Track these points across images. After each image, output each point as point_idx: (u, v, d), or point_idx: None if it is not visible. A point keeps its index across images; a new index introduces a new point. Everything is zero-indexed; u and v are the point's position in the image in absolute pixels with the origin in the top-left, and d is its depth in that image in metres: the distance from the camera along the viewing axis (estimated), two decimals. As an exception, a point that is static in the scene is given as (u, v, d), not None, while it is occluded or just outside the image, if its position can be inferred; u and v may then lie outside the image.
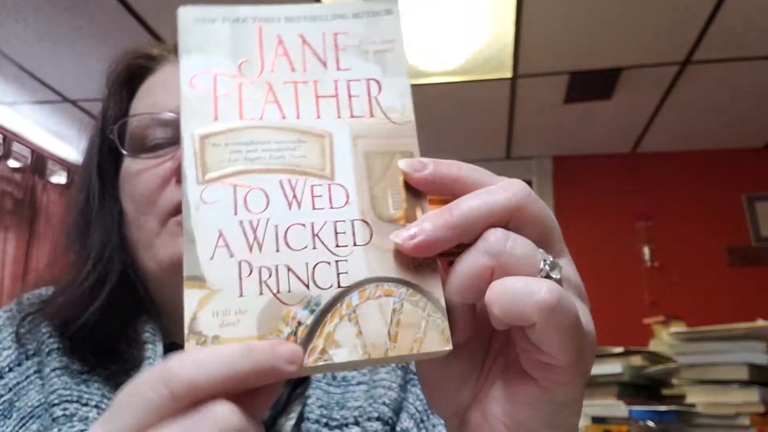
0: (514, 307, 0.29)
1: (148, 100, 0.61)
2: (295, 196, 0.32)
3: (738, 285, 3.14)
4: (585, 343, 0.31)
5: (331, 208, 0.33)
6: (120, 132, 0.61)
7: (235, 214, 0.32)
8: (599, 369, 1.64)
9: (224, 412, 0.27)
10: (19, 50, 2.43)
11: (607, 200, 3.43)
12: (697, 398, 1.56)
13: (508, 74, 2.64)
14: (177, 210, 0.56)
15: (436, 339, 0.30)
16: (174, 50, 0.64)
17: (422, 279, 0.32)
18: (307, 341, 0.29)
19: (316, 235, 0.32)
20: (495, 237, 0.31)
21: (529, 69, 2.61)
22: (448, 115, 3.06)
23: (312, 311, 0.30)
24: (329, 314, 0.30)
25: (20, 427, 0.52)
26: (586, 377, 0.33)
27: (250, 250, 0.31)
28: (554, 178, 3.52)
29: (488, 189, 0.33)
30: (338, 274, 0.31)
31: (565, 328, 0.30)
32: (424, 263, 0.32)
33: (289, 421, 0.55)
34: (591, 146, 3.42)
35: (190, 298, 0.29)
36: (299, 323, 0.30)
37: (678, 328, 1.83)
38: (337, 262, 0.31)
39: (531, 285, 0.30)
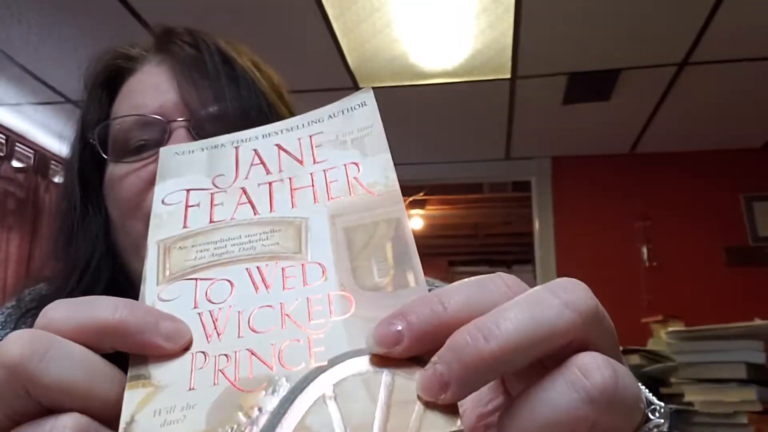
0: None
1: (130, 102, 0.59)
2: (264, 281, 0.29)
3: (736, 284, 3.14)
4: None
5: (305, 285, 0.28)
6: (102, 136, 0.60)
7: (195, 307, 0.28)
8: (598, 368, 1.64)
9: (66, 426, 0.24)
10: (22, 52, 2.44)
11: (605, 200, 3.43)
12: (695, 397, 1.57)
13: (508, 75, 2.65)
14: None
15: (441, 416, 0.23)
16: (153, 49, 0.63)
17: None
18: (269, 430, 0.23)
19: (286, 314, 0.27)
20: (602, 376, 0.23)
21: (528, 70, 2.61)
22: (448, 115, 3.07)
23: (277, 395, 0.24)
24: (299, 396, 0.24)
25: None
26: None
27: (208, 340, 0.27)
28: (553, 179, 3.52)
29: (538, 301, 0.24)
30: (311, 351, 0.26)
31: None
32: None
33: None
34: (590, 147, 3.43)
35: (130, 400, 0.25)
36: (260, 410, 0.24)
37: (676, 327, 1.85)
38: (310, 339, 0.26)
39: None
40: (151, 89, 0.59)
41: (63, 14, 2.20)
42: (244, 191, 0.34)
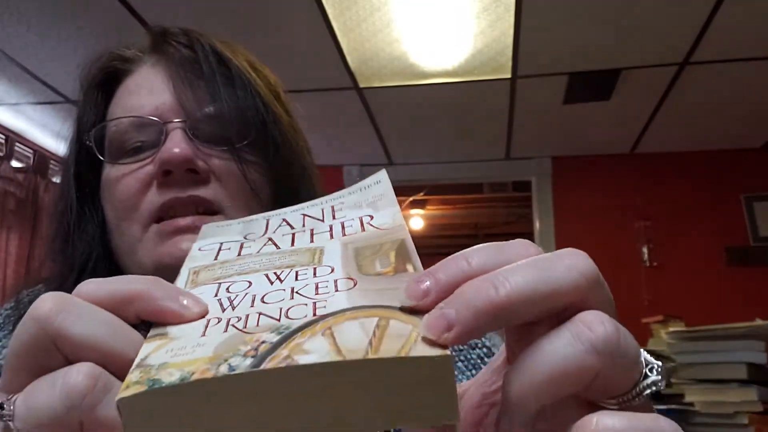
0: None
1: (126, 104, 0.59)
2: (278, 278, 0.32)
3: (736, 285, 3.15)
4: None
5: (315, 277, 0.31)
6: (98, 137, 0.60)
7: (215, 296, 0.31)
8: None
9: (79, 372, 0.26)
10: (22, 51, 2.44)
11: (606, 200, 3.44)
12: (696, 397, 1.57)
13: (508, 75, 2.65)
14: (159, 215, 0.55)
15: (429, 345, 0.24)
16: (149, 50, 0.63)
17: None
18: (268, 354, 0.25)
19: (296, 291, 0.30)
20: (605, 330, 0.25)
21: (529, 70, 2.62)
22: (448, 115, 3.07)
23: (280, 333, 0.26)
24: (299, 333, 0.26)
25: None
26: None
27: (223, 312, 0.29)
28: (553, 179, 3.53)
29: (545, 261, 0.26)
30: (315, 309, 0.28)
31: None
32: None
33: None
34: (590, 147, 3.43)
35: (146, 348, 0.27)
36: (262, 342, 0.26)
37: (676, 327, 1.85)
38: (314, 302, 0.29)
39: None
40: (147, 90, 0.59)
41: (63, 14, 2.20)
42: (271, 239, 0.38)
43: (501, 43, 2.40)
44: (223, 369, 0.24)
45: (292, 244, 0.37)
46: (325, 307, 0.28)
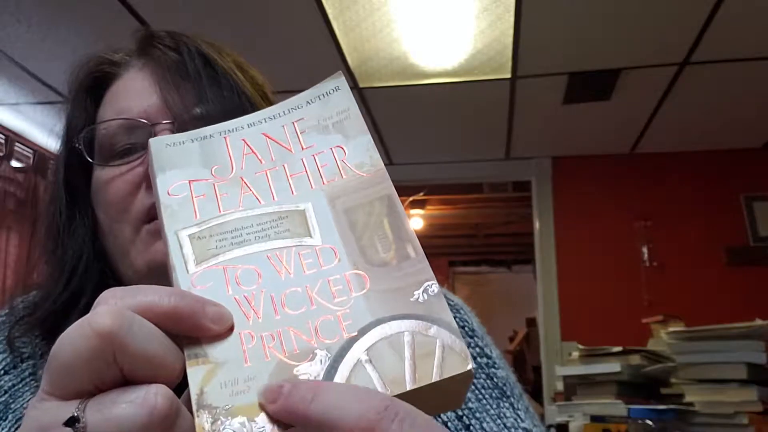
0: None
1: (115, 106, 0.60)
2: (285, 266, 0.33)
3: (736, 285, 3.15)
4: None
5: (323, 268, 0.33)
6: (88, 140, 0.60)
7: (228, 292, 0.32)
8: (598, 368, 1.65)
9: (157, 394, 0.27)
10: (22, 51, 2.44)
11: (605, 200, 3.44)
12: (696, 397, 1.58)
13: (508, 75, 2.65)
14: (150, 215, 0.55)
15: (457, 361, 0.29)
16: (136, 53, 0.63)
17: (428, 308, 0.30)
18: None
19: (313, 295, 0.32)
20: None
21: (529, 70, 2.62)
22: (448, 115, 3.07)
23: (322, 364, 0.29)
24: (340, 364, 0.29)
25: (16, 429, 0.53)
26: None
27: (249, 320, 0.31)
28: (553, 179, 3.53)
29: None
30: (342, 325, 0.30)
31: None
32: (426, 293, 0.31)
33: None
34: (590, 147, 3.43)
35: (195, 375, 0.29)
36: (312, 378, 0.29)
37: (676, 327, 1.85)
38: (338, 315, 0.31)
39: None
40: (135, 93, 0.60)
41: (62, 14, 2.20)
42: (244, 181, 0.37)
43: (501, 43, 2.41)
44: None
45: (272, 194, 0.36)
46: (351, 323, 0.30)
